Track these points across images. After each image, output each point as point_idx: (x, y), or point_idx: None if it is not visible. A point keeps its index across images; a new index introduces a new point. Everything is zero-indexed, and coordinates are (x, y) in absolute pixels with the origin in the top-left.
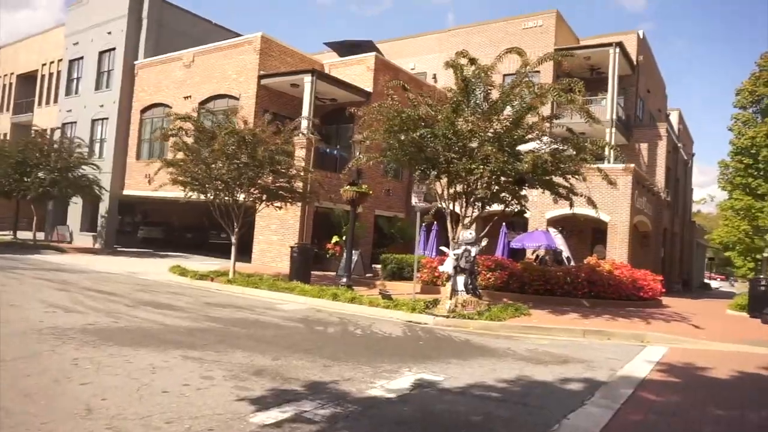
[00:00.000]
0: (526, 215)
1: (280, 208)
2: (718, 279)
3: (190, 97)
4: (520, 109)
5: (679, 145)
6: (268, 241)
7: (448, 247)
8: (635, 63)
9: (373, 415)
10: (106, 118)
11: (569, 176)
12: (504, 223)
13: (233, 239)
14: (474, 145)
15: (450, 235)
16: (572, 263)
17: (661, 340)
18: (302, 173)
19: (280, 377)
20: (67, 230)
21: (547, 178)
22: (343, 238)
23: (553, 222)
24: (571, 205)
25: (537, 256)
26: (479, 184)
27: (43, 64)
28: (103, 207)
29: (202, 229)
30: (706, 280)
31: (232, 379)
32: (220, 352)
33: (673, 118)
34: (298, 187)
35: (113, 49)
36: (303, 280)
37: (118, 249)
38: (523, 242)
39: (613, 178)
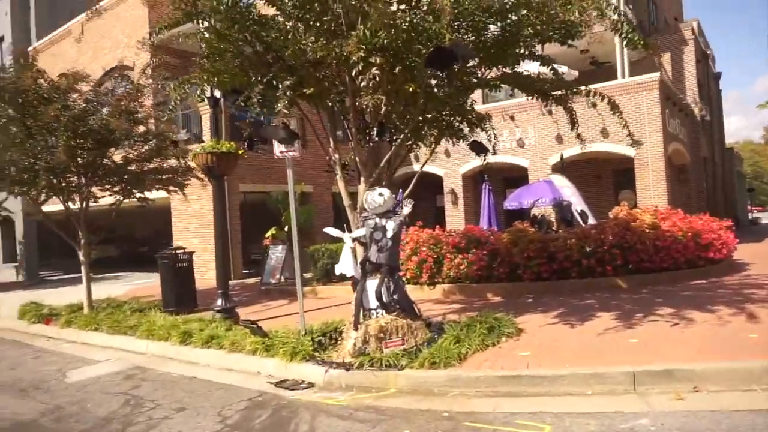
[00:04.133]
0: (523, 165)
1: (144, 201)
2: (755, 211)
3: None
4: None
5: (708, 52)
6: (189, 246)
7: (347, 229)
8: None
9: None
10: None
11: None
12: (485, 176)
13: (81, 257)
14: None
15: (345, 203)
16: (590, 221)
17: None
18: (171, 139)
19: None
20: None
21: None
22: (285, 229)
23: (560, 168)
24: (574, 122)
25: (533, 216)
26: (366, 83)
27: None
28: (19, 232)
29: (154, 240)
30: (751, 215)
31: None
32: None
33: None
34: (181, 164)
35: (1, 38)
36: (180, 305)
37: (46, 278)
38: (520, 200)
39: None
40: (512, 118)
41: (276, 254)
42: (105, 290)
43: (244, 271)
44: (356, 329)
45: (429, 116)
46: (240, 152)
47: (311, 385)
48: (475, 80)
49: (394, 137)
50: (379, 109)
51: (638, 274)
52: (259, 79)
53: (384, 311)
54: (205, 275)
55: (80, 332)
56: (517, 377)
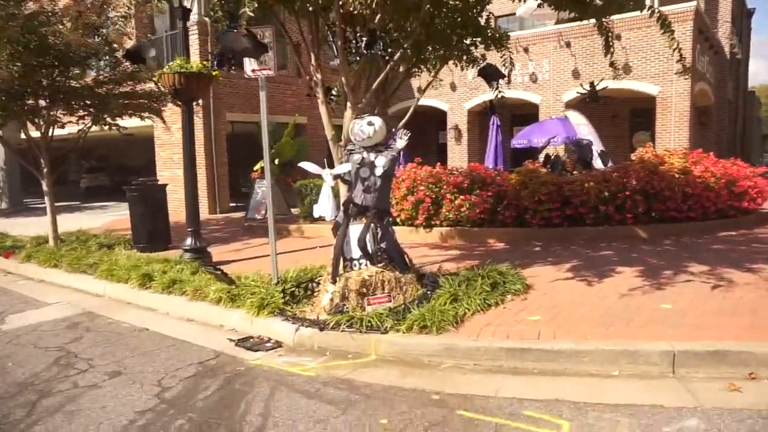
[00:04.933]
0: (534, 101)
1: (116, 128)
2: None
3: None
4: None
5: None
6: (174, 178)
7: (327, 165)
8: None
9: None
10: None
11: None
12: (494, 110)
13: (44, 187)
14: None
15: (327, 133)
16: (610, 164)
17: None
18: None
19: None
20: None
21: None
22: (276, 161)
23: (574, 106)
24: (609, 45)
25: (546, 156)
26: None
27: None
28: (0, 158)
29: (145, 170)
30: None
31: None
32: None
33: None
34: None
35: None
36: (152, 242)
37: (30, 206)
38: (530, 138)
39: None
40: (526, 49)
41: (262, 189)
42: (85, 221)
43: (231, 205)
44: (334, 282)
45: (434, 29)
46: (215, 74)
47: (278, 344)
48: None
49: (390, 50)
50: (372, 16)
51: (660, 224)
52: None
53: (368, 262)
54: None
55: (39, 268)
56: (525, 350)
